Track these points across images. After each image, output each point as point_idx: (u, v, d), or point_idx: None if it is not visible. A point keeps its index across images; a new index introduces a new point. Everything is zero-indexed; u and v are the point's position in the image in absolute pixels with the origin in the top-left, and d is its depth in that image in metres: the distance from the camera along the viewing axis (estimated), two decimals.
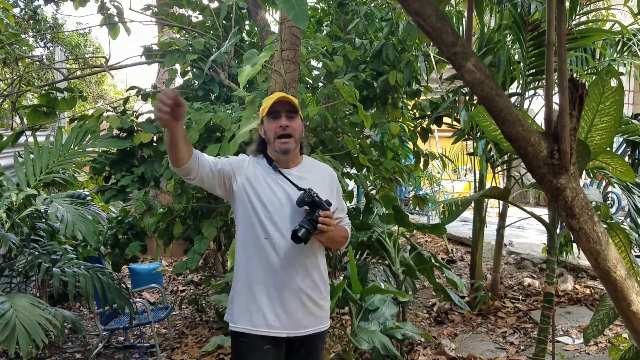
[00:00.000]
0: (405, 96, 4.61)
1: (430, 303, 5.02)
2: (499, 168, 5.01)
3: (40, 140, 3.90)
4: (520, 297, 4.99)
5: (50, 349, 4.19)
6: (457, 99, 4.49)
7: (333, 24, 4.70)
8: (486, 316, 4.57)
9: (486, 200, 4.80)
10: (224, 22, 4.38)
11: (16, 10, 7.59)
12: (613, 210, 8.34)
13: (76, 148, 3.90)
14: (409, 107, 4.74)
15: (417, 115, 4.69)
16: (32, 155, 3.77)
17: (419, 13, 1.22)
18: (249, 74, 2.92)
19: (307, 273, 1.94)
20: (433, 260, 3.52)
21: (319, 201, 1.86)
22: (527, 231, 7.70)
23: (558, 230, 2.88)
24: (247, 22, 4.68)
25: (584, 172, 4.19)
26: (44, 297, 4.22)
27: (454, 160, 7.78)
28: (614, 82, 2.02)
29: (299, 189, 1.90)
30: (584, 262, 5.37)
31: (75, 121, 4.22)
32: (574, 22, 4.26)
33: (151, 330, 4.08)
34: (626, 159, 4.38)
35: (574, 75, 4.43)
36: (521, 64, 4.45)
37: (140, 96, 4.54)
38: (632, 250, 3.35)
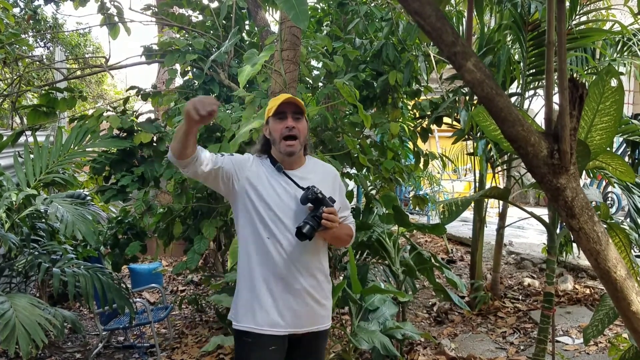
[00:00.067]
0: (405, 96, 4.61)
1: (430, 303, 5.02)
2: (499, 168, 5.01)
3: (40, 140, 3.90)
4: (520, 297, 4.99)
5: (50, 348, 4.19)
6: (457, 99, 4.49)
7: (333, 23, 4.69)
8: (486, 316, 4.57)
9: (486, 200, 4.80)
10: (224, 22, 4.38)
11: (16, 10, 7.60)
12: (613, 210, 8.34)
13: (76, 148, 3.90)
14: (409, 107, 4.74)
15: (417, 115, 4.69)
16: (32, 155, 3.77)
17: (419, 13, 1.22)
18: (249, 74, 2.92)
19: (311, 273, 1.95)
20: (433, 260, 3.52)
21: (322, 198, 1.86)
22: (527, 231, 7.70)
23: (558, 230, 2.88)
24: (247, 22, 4.68)
25: (584, 172, 4.19)
26: (44, 297, 4.22)
27: (454, 160, 7.78)
28: (614, 82, 2.02)
29: (302, 189, 1.91)
30: (584, 262, 5.37)
31: (75, 121, 4.22)
32: (574, 22, 4.26)
33: (151, 330, 4.08)
34: (626, 159, 4.38)
35: (574, 75, 4.42)
36: (521, 63, 4.45)
37: (140, 96, 4.54)
38: (632, 250, 3.36)
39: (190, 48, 4.12)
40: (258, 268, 1.92)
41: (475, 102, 4.37)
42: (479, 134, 4.45)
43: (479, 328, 4.33)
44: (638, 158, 4.33)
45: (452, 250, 6.98)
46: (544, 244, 5.38)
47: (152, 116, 4.61)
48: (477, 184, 5.15)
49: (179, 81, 4.81)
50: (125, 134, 4.01)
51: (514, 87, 4.82)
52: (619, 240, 2.62)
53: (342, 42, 4.25)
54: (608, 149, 2.37)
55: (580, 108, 1.31)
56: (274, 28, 4.41)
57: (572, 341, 3.91)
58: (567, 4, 4.00)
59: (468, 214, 6.86)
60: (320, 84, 4.22)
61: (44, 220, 3.77)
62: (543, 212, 3.15)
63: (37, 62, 6.66)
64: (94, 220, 3.52)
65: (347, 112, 4.30)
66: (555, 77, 1.39)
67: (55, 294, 4.55)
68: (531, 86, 4.68)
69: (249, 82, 3.81)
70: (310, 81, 4.18)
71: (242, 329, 1.94)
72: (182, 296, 5.20)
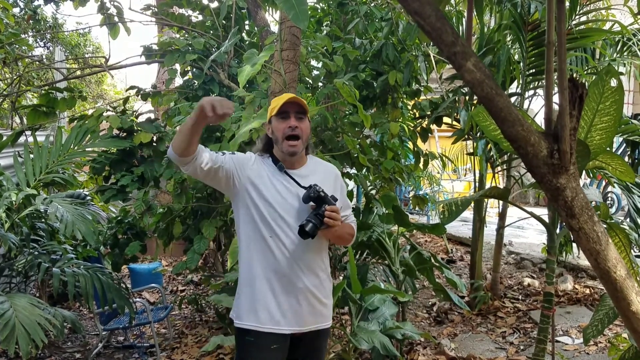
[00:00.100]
0: (405, 96, 4.61)
1: (430, 303, 5.02)
2: (499, 168, 5.01)
3: (40, 140, 3.90)
4: (520, 297, 4.99)
5: (49, 348, 4.19)
6: (457, 98, 4.49)
7: (333, 23, 4.69)
8: (486, 316, 4.57)
9: (486, 200, 4.80)
10: (224, 22, 4.38)
11: (16, 10, 7.59)
12: (613, 210, 8.34)
13: (76, 148, 3.90)
14: (409, 107, 4.74)
15: (417, 115, 4.69)
16: (31, 155, 3.77)
17: (418, 13, 1.22)
18: (249, 74, 2.92)
19: (313, 271, 1.96)
20: (433, 260, 3.52)
21: (324, 196, 1.87)
22: (527, 231, 7.70)
23: (558, 230, 2.88)
24: (247, 22, 4.68)
25: (584, 172, 4.19)
26: (44, 297, 4.22)
27: (454, 160, 7.78)
28: (613, 82, 2.02)
29: (304, 188, 1.91)
30: (584, 262, 5.37)
31: (75, 121, 4.22)
32: (574, 22, 4.26)
33: (151, 330, 4.08)
34: (626, 158, 4.38)
35: (574, 75, 4.42)
36: (521, 63, 4.45)
37: (140, 96, 4.54)
38: (632, 250, 3.36)
39: (190, 48, 4.12)
40: (260, 266, 1.92)
41: (475, 102, 4.37)
42: (478, 134, 4.45)
43: (479, 328, 4.33)
44: (638, 158, 4.33)
45: (452, 250, 6.98)
46: (544, 243, 5.38)
47: (152, 116, 4.61)
48: (477, 184, 5.15)
49: (178, 81, 4.81)
50: (125, 134, 4.01)
51: (513, 87, 4.82)
52: (619, 240, 2.62)
53: (342, 42, 4.25)
54: (608, 149, 2.37)
55: (580, 108, 1.31)
56: (274, 28, 4.41)
57: (572, 341, 3.91)
58: (567, 4, 4.00)
59: (468, 214, 6.86)
60: (320, 84, 4.22)
61: (43, 220, 3.77)
62: (543, 212, 3.15)
63: (37, 62, 6.67)
64: (93, 220, 3.52)
65: (347, 112, 4.30)
66: (555, 77, 1.40)
67: (55, 294, 4.55)
68: (531, 86, 4.68)
69: (249, 82, 3.81)
70: (310, 81, 4.18)
71: (244, 327, 1.94)
72: (182, 296, 5.20)
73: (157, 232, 3.93)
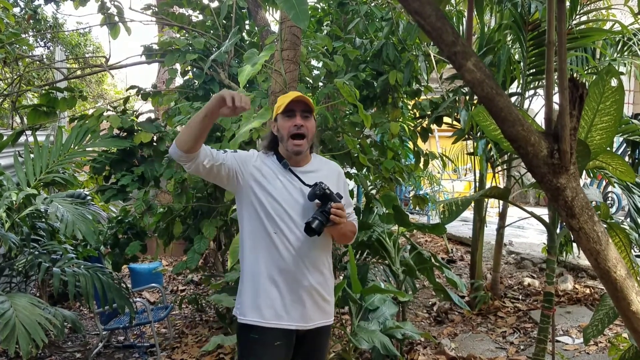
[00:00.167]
0: (405, 96, 4.61)
1: (430, 303, 5.02)
2: (499, 168, 5.01)
3: (40, 140, 3.90)
4: (520, 297, 4.99)
5: (50, 348, 4.19)
6: (457, 98, 4.49)
7: (333, 23, 4.69)
8: (486, 316, 4.57)
9: (486, 200, 4.80)
10: (224, 21, 4.38)
11: (16, 10, 7.60)
12: (613, 210, 8.34)
13: (76, 148, 3.90)
14: (409, 107, 4.74)
15: (417, 115, 4.69)
16: (32, 155, 3.77)
17: (419, 12, 1.22)
18: (249, 74, 2.92)
19: (318, 269, 1.97)
20: (433, 260, 3.52)
21: (330, 194, 1.88)
22: (527, 231, 7.70)
23: (558, 230, 2.88)
24: (247, 22, 4.68)
25: (584, 171, 4.19)
26: (44, 296, 4.22)
27: (454, 160, 7.77)
28: (614, 82, 2.02)
29: (308, 186, 1.92)
30: (584, 261, 5.37)
31: (76, 121, 4.22)
32: (574, 22, 4.25)
33: (151, 330, 4.08)
34: (626, 158, 4.38)
35: (574, 75, 4.42)
36: (521, 63, 4.45)
37: (140, 96, 4.54)
38: (632, 250, 3.35)
39: (190, 48, 4.12)
40: (264, 263, 1.93)
41: (475, 101, 4.37)
42: (479, 134, 4.45)
43: (479, 328, 4.33)
44: (638, 158, 4.33)
45: (452, 250, 6.98)
46: (544, 243, 5.38)
47: (152, 116, 4.62)
48: (477, 184, 5.15)
49: (179, 81, 4.81)
50: (125, 133, 4.01)
51: (514, 87, 4.82)
52: (619, 240, 2.62)
53: (342, 42, 4.25)
54: (608, 148, 2.37)
55: (580, 108, 1.31)
56: (274, 28, 4.42)
57: (572, 341, 3.91)
58: (567, 3, 4.00)
59: (468, 213, 6.86)
60: (321, 84, 4.22)
61: (44, 219, 3.77)
62: (543, 212, 3.15)
63: (37, 62, 6.67)
64: (94, 219, 3.53)
65: (347, 112, 4.30)
66: (556, 76, 1.39)
67: (56, 294, 4.55)
68: (531, 86, 4.68)
69: (249, 81, 3.81)
70: (311, 81, 4.18)
71: (247, 323, 1.93)
72: (182, 296, 5.20)
73: (157, 231, 3.93)
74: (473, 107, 4.28)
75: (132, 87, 4.66)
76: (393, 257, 3.46)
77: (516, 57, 4.65)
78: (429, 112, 4.56)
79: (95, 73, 9.17)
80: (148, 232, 4.23)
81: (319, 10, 4.93)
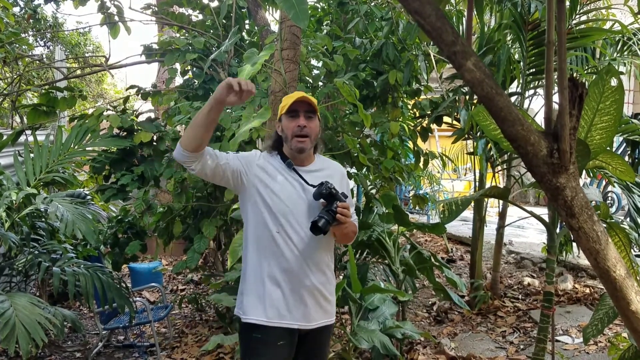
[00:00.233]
0: (405, 95, 4.61)
1: (430, 302, 5.02)
2: (499, 167, 5.01)
3: (40, 140, 3.90)
4: (519, 297, 4.99)
5: (50, 348, 4.19)
6: (457, 98, 4.49)
7: (333, 23, 4.70)
8: (486, 315, 4.57)
9: (486, 199, 4.80)
10: (224, 21, 4.38)
11: (16, 9, 7.59)
12: (613, 209, 8.34)
13: (76, 147, 3.90)
14: (409, 107, 4.75)
15: (417, 114, 4.69)
16: (32, 155, 3.77)
17: (419, 12, 1.22)
18: (249, 73, 2.92)
19: (321, 269, 1.97)
20: (433, 260, 3.52)
21: (335, 193, 1.89)
22: (527, 230, 7.70)
23: (558, 230, 2.88)
24: (247, 21, 4.68)
25: (584, 171, 4.19)
26: (44, 296, 4.22)
27: (454, 159, 7.77)
28: (614, 82, 2.02)
29: (312, 186, 1.93)
30: (584, 261, 5.37)
31: (75, 120, 4.22)
32: (574, 22, 4.25)
33: (151, 330, 4.08)
34: (626, 158, 4.38)
35: (574, 75, 4.42)
36: (521, 63, 4.45)
37: (140, 95, 4.54)
38: (632, 250, 3.35)
39: (190, 47, 4.12)
40: (266, 263, 1.93)
41: (475, 101, 4.37)
42: (478, 134, 4.45)
43: (479, 327, 4.33)
44: (638, 157, 4.33)
45: (452, 249, 6.98)
46: (544, 243, 5.38)
47: (152, 115, 4.62)
48: (477, 184, 5.15)
49: (179, 80, 4.82)
50: (125, 133, 4.01)
51: (514, 87, 4.82)
52: (619, 240, 2.62)
53: (342, 42, 4.25)
54: (608, 148, 2.37)
55: (580, 107, 1.31)
56: (274, 27, 4.42)
57: (572, 340, 3.91)
58: (567, 3, 4.00)
59: (468, 213, 6.86)
60: (320, 83, 4.22)
61: (44, 219, 3.77)
62: (543, 212, 3.15)
63: (37, 62, 6.67)
64: (94, 219, 3.53)
65: (347, 112, 4.30)
66: (555, 76, 1.40)
67: (55, 293, 4.55)
68: (531, 85, 4.68)
69: None
70: (310, 80, 4.18)
71: (250, 322, 1.93)
72: (182, 295, 5.20)
73: (157, 231, 3.93)
74: (473, 106, 4.28)
75: (132, 87, 4.66)
76: (393, 257, 3.46)
77: (516, 56, 4.65)
78: (429, 112, 4.56)
79: (95, 72, 9.17)
80: (148, 231, 4.24)
81: (319, 10, 4.93)
